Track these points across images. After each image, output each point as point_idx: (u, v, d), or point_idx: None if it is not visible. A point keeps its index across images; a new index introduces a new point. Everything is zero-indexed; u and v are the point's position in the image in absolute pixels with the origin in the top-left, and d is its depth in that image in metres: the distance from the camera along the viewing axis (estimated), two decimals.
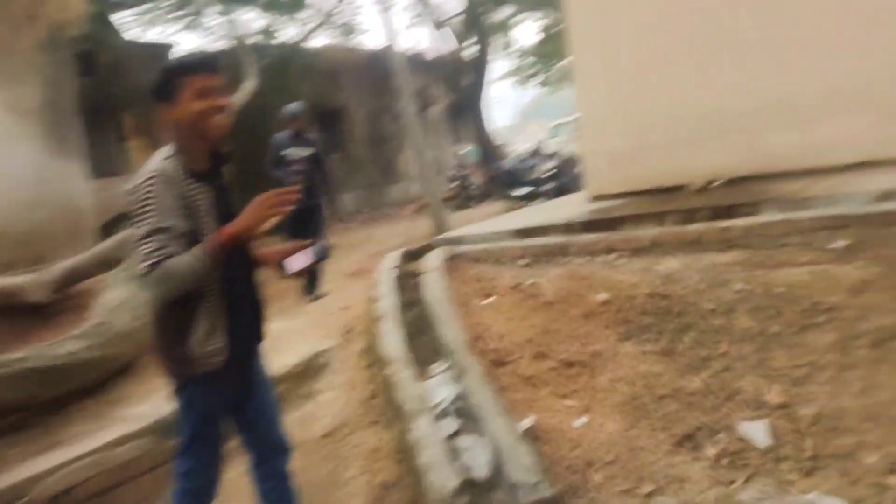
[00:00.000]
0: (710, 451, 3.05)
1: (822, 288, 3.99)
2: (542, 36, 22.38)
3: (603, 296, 4.54)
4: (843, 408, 3.09)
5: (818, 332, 3.68)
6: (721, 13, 6.69)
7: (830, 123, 6.10)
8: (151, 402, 4.31)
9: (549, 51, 22.03)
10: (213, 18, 15.71)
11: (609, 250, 5.39)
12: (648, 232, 5.40)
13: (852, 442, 2.88)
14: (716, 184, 6.60)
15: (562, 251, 5.60)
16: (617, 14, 7.32)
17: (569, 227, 6.04)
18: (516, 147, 23.93)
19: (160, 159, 2.43)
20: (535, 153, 15.95)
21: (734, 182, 6.52)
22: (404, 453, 3.36)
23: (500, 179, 15.27)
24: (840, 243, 4.43)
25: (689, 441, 3.14)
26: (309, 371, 4.87)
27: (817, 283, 4.04)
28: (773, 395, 3.29)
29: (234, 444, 2.91)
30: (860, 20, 5.98)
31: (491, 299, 4.86)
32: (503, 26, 21.84)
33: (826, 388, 3.25)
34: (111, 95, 12.47)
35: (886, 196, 4.85)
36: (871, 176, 5.44)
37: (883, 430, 2.89)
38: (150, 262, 2.28)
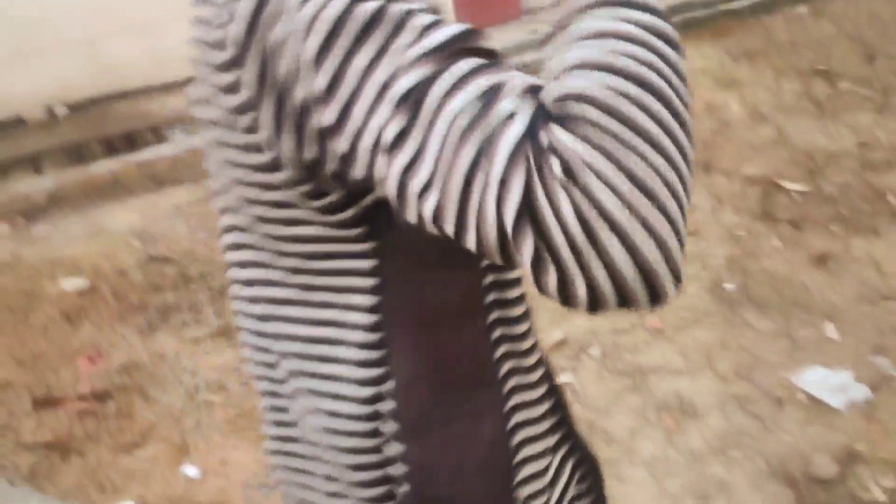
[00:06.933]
0: None
1: None
2: None
3: (75, 282, 3.54)
4: None
5: None
6: None
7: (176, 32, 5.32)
8: None
9: None
10: None
11: None
12: (34, 186, 4.44)
13: None
14: (61, 112, 5.42)
15: None
16: None
17: None
18: None
19: None
20: None
21: (81, 107, 5.39)
22: None
23: None
24: None
25: None
26: None
27: None
28: None
29: None
30: None
31: None
32: None
33: None
34: None
35: None
36: None
37: None
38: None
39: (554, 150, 0.49)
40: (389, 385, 0.73)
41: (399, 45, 0.55)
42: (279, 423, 0.83)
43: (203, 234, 3.91)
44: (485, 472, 0.77)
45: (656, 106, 0.50)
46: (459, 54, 0.55)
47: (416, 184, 0.54)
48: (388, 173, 0.55)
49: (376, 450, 0.75)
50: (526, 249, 0.50)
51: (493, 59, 0.57)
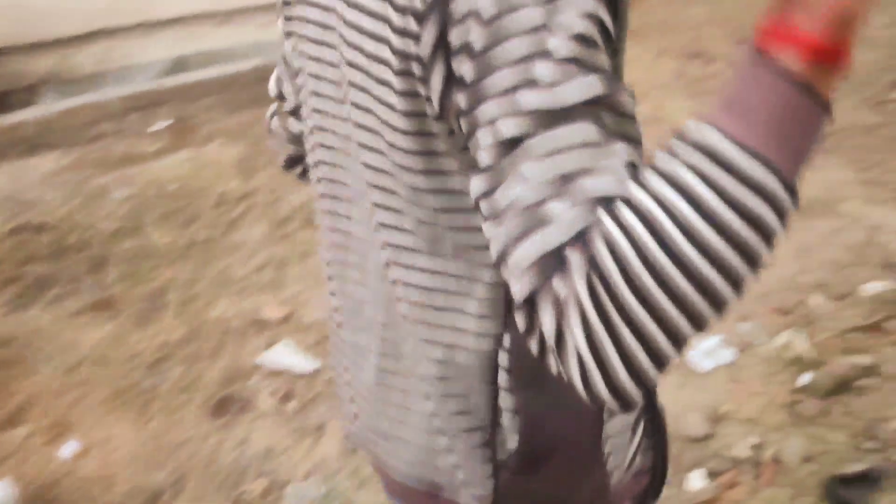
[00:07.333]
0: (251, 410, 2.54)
1: (213, 176, 3.76)
2: None
3: None
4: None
5: (247, 225, 3.49)
6: None
7: None
8: None
9: None
10: None
11: None
12: None
13: None
14: None
15: None
16: None
17: None
18: None
19: None
20: None
21: None
22: None
23: None
24: (162, 124, 4.41)
25: (222, 410, 2.54)
26: None
27: (205, 173, 3.84)
28: (271, 310, 2.95)
29: None
30: None
31: None
32: None
33: (310, 282, 3.02)
34: None
35: (180, 65, 4.80)
36: (119, 45, 5.22)
37: None
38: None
39: (567, 276, 0.54)
40: (506, 339, 0.76)
41: (541, 81, 0.56)
42: (385, 355, 0.85)
43: (79, 200, 3.73)
44: (582, 421, 0.82)
45: (677, 281, 0.51)
46: (582, 112, 0.56)
47: (483, 209, 0.60)
48: (472, 184, 0.61)
49: (489, 400, 0.79)
50: (520, 322, 0.58)
51: (620, 119, 0.59)
